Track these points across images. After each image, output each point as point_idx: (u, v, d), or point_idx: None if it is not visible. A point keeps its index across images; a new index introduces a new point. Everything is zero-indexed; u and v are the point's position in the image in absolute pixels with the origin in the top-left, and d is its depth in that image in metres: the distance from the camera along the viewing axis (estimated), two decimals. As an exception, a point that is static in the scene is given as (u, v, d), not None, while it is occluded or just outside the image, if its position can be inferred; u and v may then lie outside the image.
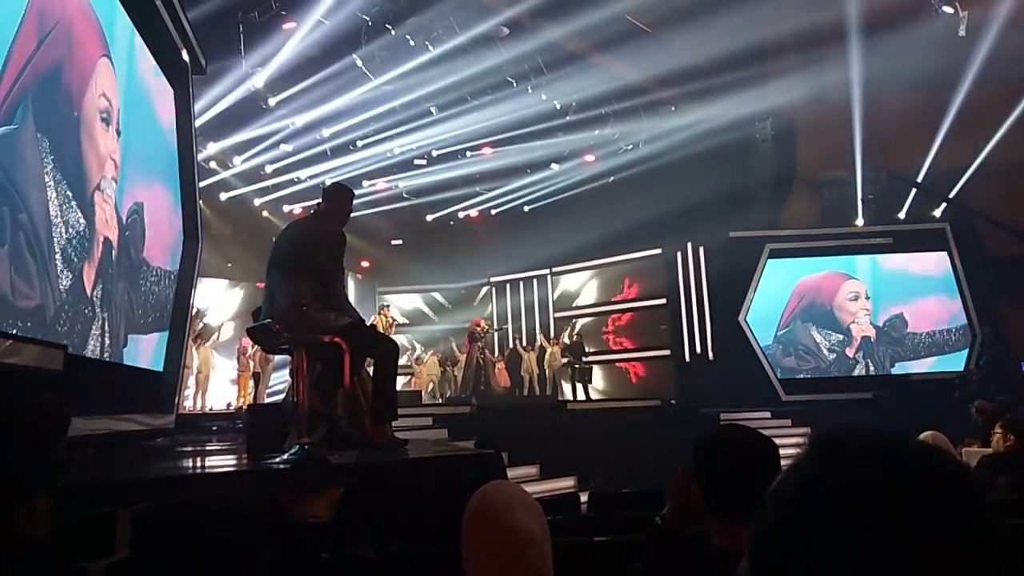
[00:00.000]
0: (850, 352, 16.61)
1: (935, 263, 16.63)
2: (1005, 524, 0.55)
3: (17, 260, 4.41)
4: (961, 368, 15.30)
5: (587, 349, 17.30)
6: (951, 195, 16.56)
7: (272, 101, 13.52)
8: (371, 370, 4.81)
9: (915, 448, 0.59)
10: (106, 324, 5.83)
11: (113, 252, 6.08)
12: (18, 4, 4.55)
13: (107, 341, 5.89)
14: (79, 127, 5.44)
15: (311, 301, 4.29)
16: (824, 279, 16.95)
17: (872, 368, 16.55)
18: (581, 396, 16.32)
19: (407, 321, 20.14)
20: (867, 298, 16.71)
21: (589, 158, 17.50)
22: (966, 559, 0.53)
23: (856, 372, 16.53)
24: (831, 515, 0.55)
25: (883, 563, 0.53)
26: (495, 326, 18.09)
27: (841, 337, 16.68)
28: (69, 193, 5.18)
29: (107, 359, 5.91)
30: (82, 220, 5.41)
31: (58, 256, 5.01)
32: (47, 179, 4.89)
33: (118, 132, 6.14)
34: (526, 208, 19.58)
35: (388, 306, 15.77)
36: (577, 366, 16.63)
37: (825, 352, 16.70)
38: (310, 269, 4.36)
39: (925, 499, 0.55)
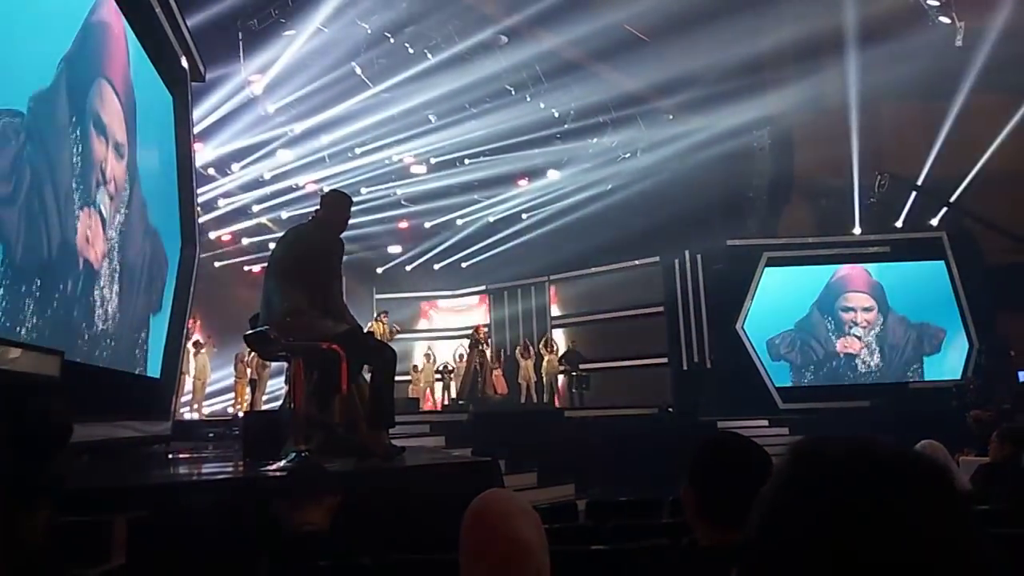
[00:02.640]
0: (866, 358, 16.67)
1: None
2: (988, 538, 0.55)
3: (30, 209, 4.53)
4: (958, 377, 15.33)
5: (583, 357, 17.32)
6: (950, 200, 16.60)
7: (271, 108, 13.54)
8: (368, 377, 4.81)
9: (891, 455, 0.58)
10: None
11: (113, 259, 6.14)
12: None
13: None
14: (87, 115, 5.60)
15: (308, 308, 4.29)
16: (851, 271, 16.94)
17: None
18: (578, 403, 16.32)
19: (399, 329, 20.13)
20: (866, 310, 16.68)
21: (587, 165, 17.49)
22: (945, 572, 0.52)
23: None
24: (810, 526, 0.55)
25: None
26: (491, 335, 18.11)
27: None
28: (84, 161, 5.39)
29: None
30: (95, 182, 5.63)
31: (77, 203, 5.22)
32: (73, 138, 5.17)
33: (117, 151, 6.21)
34: (524, 216, 19.59)
35: (386, 312, 15.72)
36: (574, 374, 16.60)
37: (834, 341, 16.69)
38: (307, 276, 4.36)
39: (901, 510, 0.54)
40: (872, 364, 16.58)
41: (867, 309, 16.73)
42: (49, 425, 1.66)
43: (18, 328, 4.38)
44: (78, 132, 5.34)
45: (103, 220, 5.83)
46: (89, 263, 5.60)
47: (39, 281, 4.69)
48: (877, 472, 0.56)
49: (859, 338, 16.59)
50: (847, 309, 16.75)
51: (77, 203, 5.30)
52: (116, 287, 6.14)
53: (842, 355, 16.62)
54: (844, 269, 16.89)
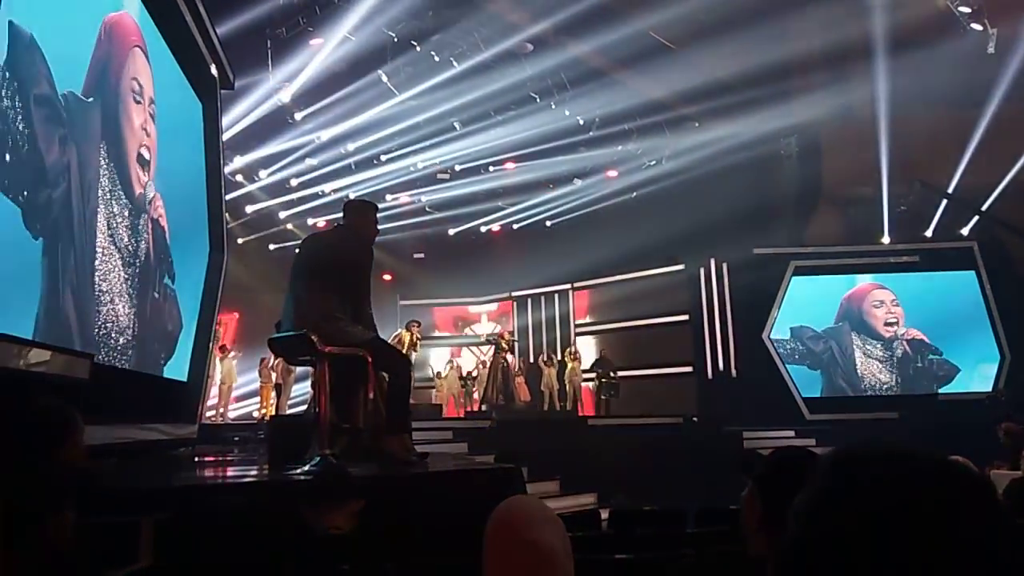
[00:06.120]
0: (884, 376, 16.40)
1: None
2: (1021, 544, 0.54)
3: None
4: (990, 389, 15.05)
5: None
6: (982, 209, 16.34)
7: (298, 116, 13.69)
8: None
9: (930, 463, 0.58)
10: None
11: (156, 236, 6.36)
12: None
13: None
14: (118, 99, 5.66)
15: (341, 314, 4.34)
16: (857, 289, 16.89)
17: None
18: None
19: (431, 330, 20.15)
20: (895, 304, 16.51)
21: (612, 173, 17.48)
22: None
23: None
24: (844, 529, 0.55)
25: None
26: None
27: (881, 347, 16.54)
28: (116, 172, 5.48)
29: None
30: (124, 197, 5.71)
31: (101, 228, 5.23)
32: (101, 149, 5.25)
33: (152, 117, 6.29)
34: (548, 223, 19.60)
35: (417, 323, 15.61)
36: (604, 380, 16.54)
37: (858, 361, 16.50)
38: (339, 283, 4.40)
39: (937, 516, 0.54)
40: (893, 381, 16.40)
41: (895, 303, 16.53)
42: (45, 419, 1.68)
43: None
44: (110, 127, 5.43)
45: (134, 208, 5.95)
46: (119, 254, 5.69)
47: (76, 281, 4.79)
48: (916, 480, 0.56)
49: (881, 360, 16.42)
50: (878, 304, 16.55)
51: (112, 198, 5.41)
52: (147, 287, 6.23)
53: (899, 353, 16.48)
54: (854, 288, 16.83)
